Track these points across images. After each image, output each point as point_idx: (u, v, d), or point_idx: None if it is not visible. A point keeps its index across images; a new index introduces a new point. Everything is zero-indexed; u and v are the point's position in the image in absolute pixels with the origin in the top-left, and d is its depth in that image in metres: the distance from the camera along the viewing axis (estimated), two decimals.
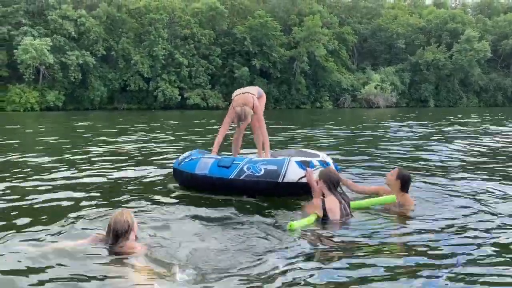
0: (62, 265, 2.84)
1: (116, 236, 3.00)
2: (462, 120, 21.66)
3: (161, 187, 5.35)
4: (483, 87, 60.55)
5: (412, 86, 57.85)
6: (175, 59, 44.68)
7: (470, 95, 60.66)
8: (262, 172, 4.51)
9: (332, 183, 3.98)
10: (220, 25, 48.39)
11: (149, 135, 12.78)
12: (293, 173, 4.51)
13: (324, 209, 3.85)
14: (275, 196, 4.57)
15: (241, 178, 4.54)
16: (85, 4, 43.31)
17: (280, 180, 4.48)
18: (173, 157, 7.48)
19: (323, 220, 3.83)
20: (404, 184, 4.39)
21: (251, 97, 5.08)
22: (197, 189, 4.84)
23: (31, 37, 37.23)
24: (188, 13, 46.96)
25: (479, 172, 6.33)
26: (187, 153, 5.26)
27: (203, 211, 4.15)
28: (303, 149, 5.84)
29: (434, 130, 15.12)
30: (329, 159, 5.07)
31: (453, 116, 25.67)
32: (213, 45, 47.94)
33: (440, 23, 60.25)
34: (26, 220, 3.86)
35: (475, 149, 9.29)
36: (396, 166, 5.39)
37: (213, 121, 20.22)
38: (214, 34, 48.01)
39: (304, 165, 4.58)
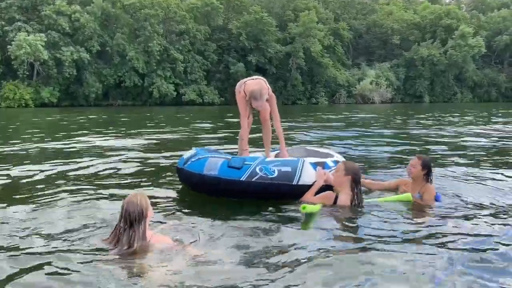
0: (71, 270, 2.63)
1: (130, 221, 2.75)
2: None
3: (168, 184, 5.14)
4: (477, 82, 60.99)
5: (407, 81, 58.14)
6: (170, 55, 44.49)
7: (465, 90, 61.07)
8: (275, 174, 4.11)
9: (357, 180, 3.89)
10: (215, 21, 48.23)
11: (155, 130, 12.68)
12: (308, 176, 4.19)
13: (335, 203, 3.85)
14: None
15: (253, 180, 4.08)
16: (79, 0, 42.91)
17: (294, 182, 4.13)
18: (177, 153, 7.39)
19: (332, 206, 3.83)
20: (430, 172, 4.11)
21: (264, 82, 4.72)
22: (205, 192, 4.42)
23: (25, 33, 36.87)
24: (183, 9, 46.71)
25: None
26: (192, 151, 4.72)
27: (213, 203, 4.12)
28: (310, 148, 5.51)
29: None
30: (342, 159, 4.75)
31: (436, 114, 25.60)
32: (208, 41, 47.78)
33: (434, 19, 60.49)
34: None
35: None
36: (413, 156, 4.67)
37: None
38: (209, 30, 47.84)
39: (318, 166, 4.31)
